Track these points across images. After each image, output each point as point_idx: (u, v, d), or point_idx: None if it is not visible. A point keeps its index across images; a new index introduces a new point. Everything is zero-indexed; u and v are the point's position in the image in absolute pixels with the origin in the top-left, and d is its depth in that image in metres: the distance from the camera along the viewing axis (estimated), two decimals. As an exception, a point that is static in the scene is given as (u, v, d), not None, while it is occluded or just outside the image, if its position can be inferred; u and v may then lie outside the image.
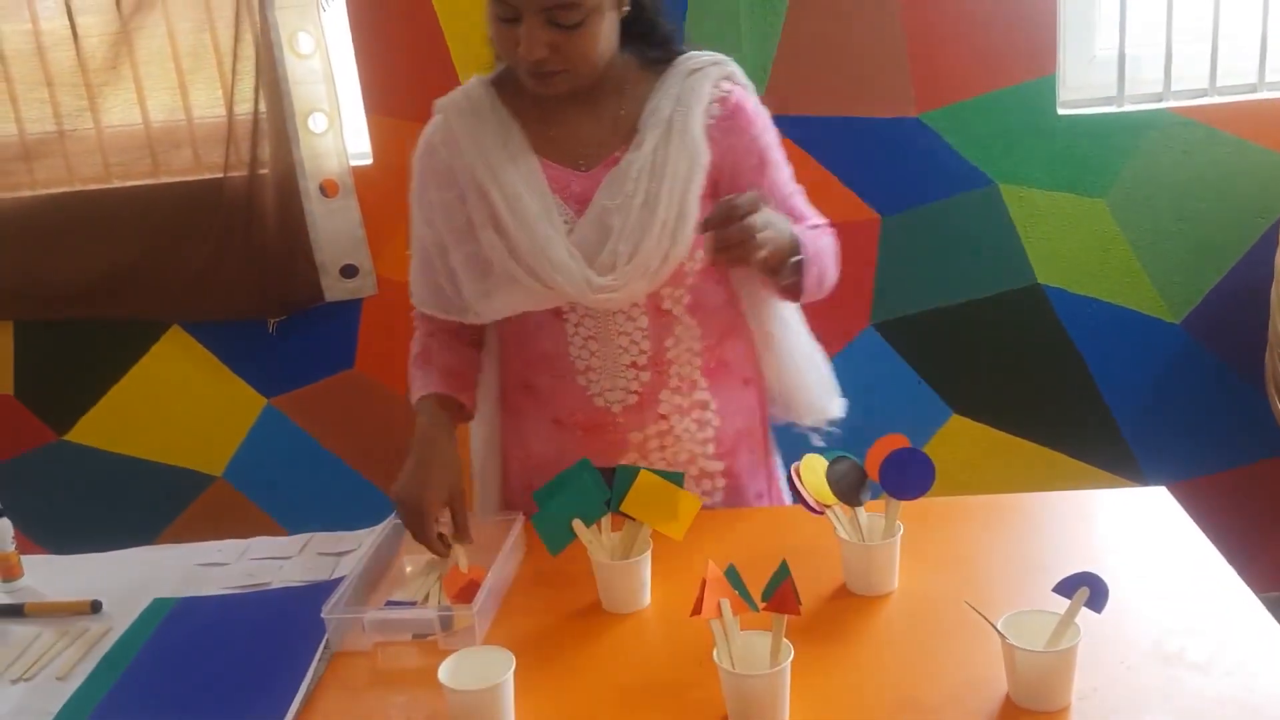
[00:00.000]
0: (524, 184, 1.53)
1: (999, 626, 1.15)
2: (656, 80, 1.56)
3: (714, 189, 1.55)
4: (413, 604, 1.46)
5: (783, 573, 1.16)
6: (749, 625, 1.18)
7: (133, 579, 1.61)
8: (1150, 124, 2.46)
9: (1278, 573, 2.67)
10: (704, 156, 1.52)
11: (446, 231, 1.58)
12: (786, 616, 1.15)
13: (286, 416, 2.81)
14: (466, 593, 1.38)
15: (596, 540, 1.42)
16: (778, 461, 1.78)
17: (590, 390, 1.61)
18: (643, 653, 1.34)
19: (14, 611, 1.56)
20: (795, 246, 1.51)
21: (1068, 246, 2.54)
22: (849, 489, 1.40)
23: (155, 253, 2.67)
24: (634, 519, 1.42)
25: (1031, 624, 1.16)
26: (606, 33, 1.48)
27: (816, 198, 1.66)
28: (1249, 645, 1.23)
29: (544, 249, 1.50)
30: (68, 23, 2.56)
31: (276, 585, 1.58)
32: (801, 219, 1.62)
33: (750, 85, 1.61)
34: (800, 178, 1.65)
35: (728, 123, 1.55)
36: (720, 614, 1.17)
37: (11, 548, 1.64)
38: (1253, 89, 2.45)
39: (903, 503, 1.39)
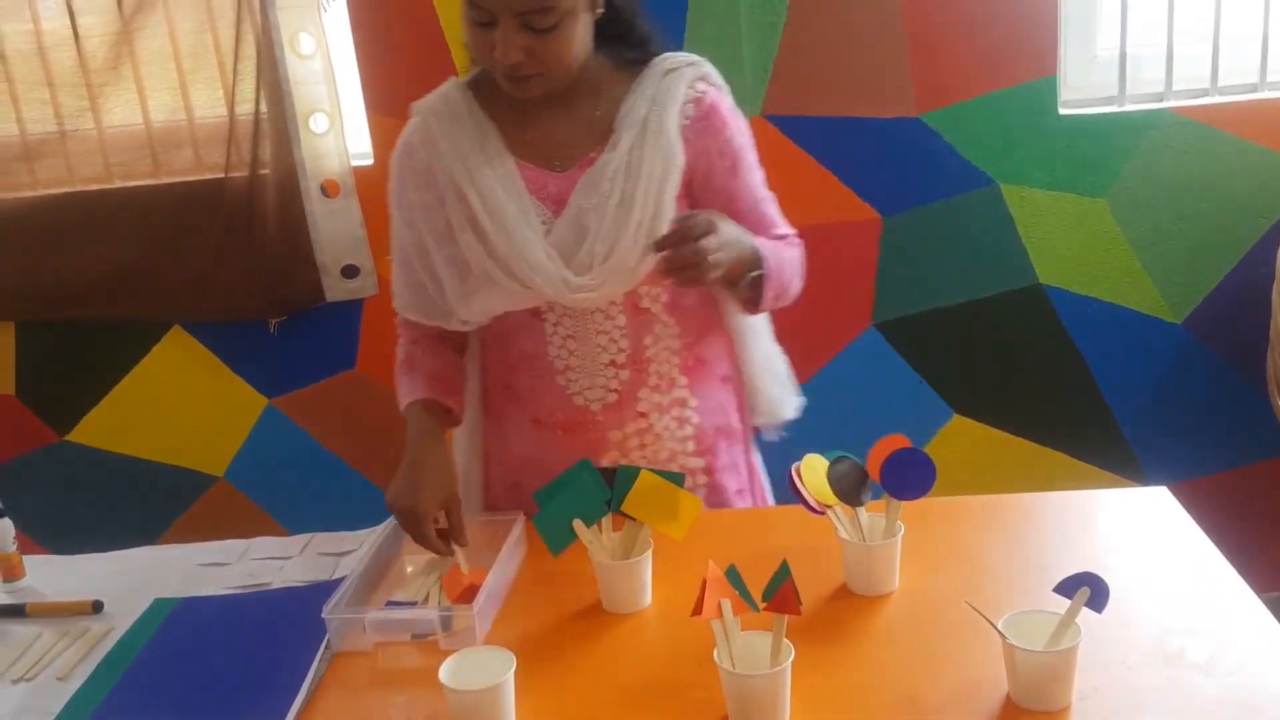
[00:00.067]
0: (501, 186, 1.53)
1: (999, 626, 1.15)
2: (632, 81, 1.56)
3: (687, 189, 1.56)
4: (413, 604, 1.46)
5: (783, 573, 1.16)
6: (749, 625, 1.18)
7: (134, 579, 1.62)
8: (1151, 124, 2.45)
9: (1278, 573, 2.67)
10: (679, 157, 1.53)
11: (427, 232, 1.59)
12: (787, 616, 1.15)
13: (287, 417, 2.81)
14: (466, 596, 1.38)
15: (597, 540, 1.42)
16: (758, 458, 1.78)
17: (570, 389, 1.61)
18: (643, 653, 1.34)
19: (15, 611, 1.56)
20: (756, 260, 1.52)
21: (1068, 246, 2.54)
22: (850, 489, 1.40)
23: (156, 253, 2.67)
24: (634, 519, 1.42)
25: (1032, 624, 1.16)
26: (581, 35, 1.48)
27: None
28: (1249, 645, 1.23)
29: (522, 250, 1.51)
30: (69, 23, 2.56)
31: (277, 585, 1.58)
32: (771, 227, 1.62)
33: (725, 87, 1.61)
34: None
35: (702, 124, 1.55)
36: (721, 614, 1.17)
37: (13, 548, 1.65)
38: (1254, 89, 2.45)
39: (903, 503, 1.39)
